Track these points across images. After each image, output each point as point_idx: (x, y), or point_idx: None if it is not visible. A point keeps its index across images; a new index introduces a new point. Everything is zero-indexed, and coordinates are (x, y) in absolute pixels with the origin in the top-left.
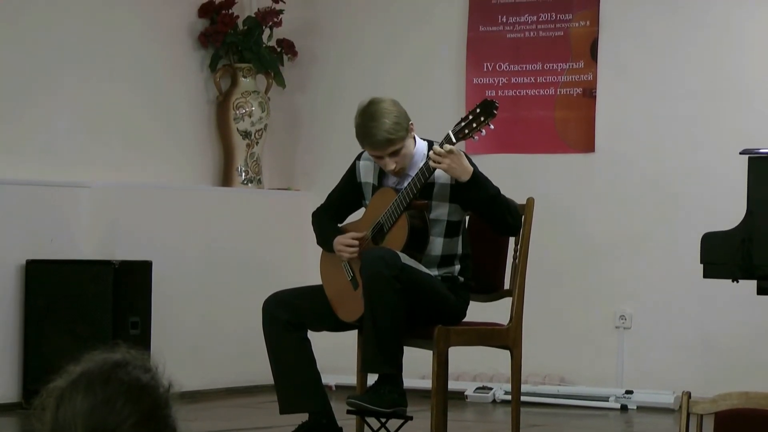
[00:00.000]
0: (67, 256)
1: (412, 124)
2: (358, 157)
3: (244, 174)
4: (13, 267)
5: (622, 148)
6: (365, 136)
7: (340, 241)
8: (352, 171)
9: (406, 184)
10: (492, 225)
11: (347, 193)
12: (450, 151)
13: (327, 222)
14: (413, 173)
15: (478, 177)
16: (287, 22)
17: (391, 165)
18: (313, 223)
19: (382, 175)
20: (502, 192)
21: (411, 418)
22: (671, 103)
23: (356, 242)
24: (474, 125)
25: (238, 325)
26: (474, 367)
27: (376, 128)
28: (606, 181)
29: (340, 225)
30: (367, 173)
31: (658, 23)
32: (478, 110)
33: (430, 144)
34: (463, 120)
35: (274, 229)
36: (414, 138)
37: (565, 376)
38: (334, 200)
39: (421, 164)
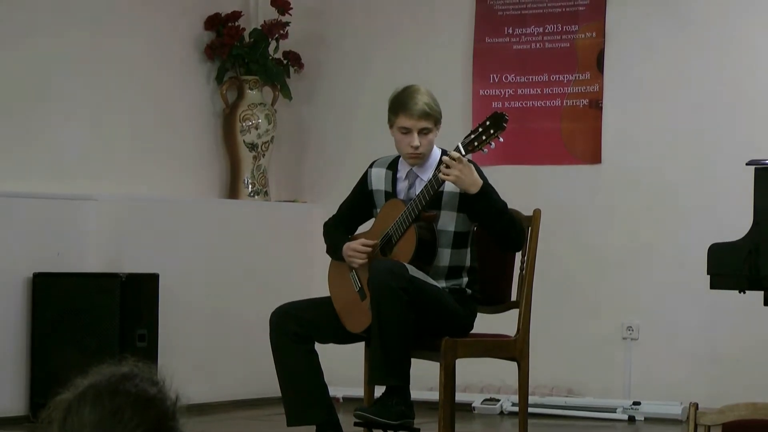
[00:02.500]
0: (74, 269)
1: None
2: (370, 165)
3: (250, 186)
4: (20, 280)
5: (629, 160)
6: (404, 103)
7: (350, 246)
8: (364, 179)
9: (416, 192)
10: (495, 239)
11: (358, 203)
12: (459, 160)
13: (337, 232)
14: (425, 177)
15: (486, 190)
16: (293, 35)
17: (416, 141)
18: (324, 233)
19: (395, 180)
20: (510, 204)
21: (418, 430)
22: (677, 114)
23: (366, 248)
24: (484, 138)
25: (245, 337)
26: (481, 378)
27: (417, 99)
28: (613, 192)
29: (350, 237)
30: (378, 181)
31: (664, 34)
32: (488, 123)
33: (444, 153)
34: (472, 132)
35: (281, 241)
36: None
37: (573, 387)
38: (344, 210)
39: (433, 171)
